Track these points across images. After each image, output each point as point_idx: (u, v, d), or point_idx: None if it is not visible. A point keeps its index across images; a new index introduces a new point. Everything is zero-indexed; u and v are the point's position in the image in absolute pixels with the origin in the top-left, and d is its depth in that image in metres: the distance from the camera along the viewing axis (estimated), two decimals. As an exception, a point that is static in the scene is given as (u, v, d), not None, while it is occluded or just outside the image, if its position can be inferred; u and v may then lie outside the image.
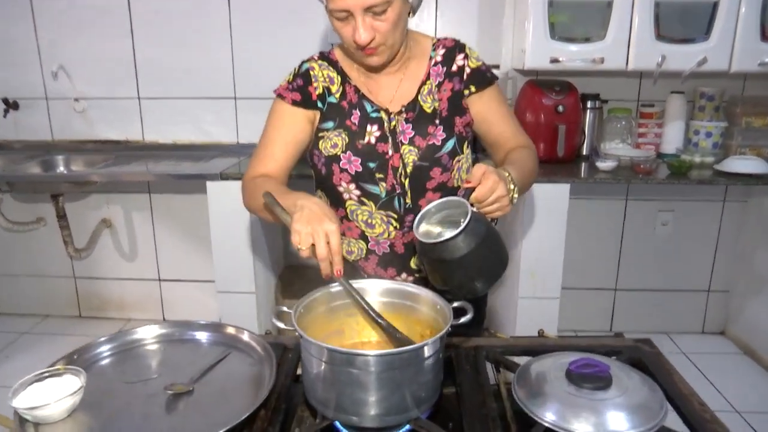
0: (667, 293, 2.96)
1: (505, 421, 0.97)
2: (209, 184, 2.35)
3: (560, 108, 2.46)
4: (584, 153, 2.64)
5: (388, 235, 1.28)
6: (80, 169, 2.78)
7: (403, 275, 1.32)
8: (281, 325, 0.96)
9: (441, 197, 1.25)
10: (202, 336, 1.18)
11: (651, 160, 2.40)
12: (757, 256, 2.76)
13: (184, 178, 2.49)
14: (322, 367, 0.90)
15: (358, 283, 1.08)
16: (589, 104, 2.61)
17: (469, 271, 1.04)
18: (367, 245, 1.31)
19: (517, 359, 1.14)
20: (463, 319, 0.96)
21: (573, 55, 2.35)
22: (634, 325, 2.99)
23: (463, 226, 1.00)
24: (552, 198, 2.28)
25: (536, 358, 1.06)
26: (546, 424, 0.90)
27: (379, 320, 1.02)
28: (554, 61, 2.35)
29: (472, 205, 1.05)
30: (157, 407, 0.96)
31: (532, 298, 2.37)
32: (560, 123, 2.45)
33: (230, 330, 1.16)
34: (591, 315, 3.00)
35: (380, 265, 1.32)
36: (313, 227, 0.98)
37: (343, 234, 1.32)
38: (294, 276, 2.82)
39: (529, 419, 0.93)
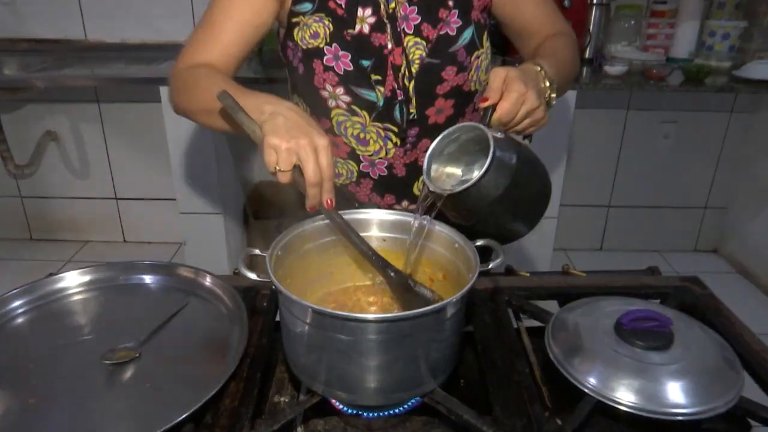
0: (661, 210, 2.82)
1: (537, 387, 0.78)
2: (163, 90, 2.03)
3: (565, 2, 2.16)
4: (587, 56, 2.37)
5: (386, 154, 1.02)
6: (13, 74, 2.40)
7: (404, 203, 1.08)
8: (252, 276, 0.73)
9: (454, 105, 0.99)
10: (150, 282, 0.93)
11: (664, 65, 2.15)
12: (760, 170, 2.60)
13: (134, 83, 2.18)
14: (307, 331, 0.68)
15: (349, 215, 0.85)
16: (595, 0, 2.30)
17: (504, 217, 0.81)
18: (358, 167, 1.05)
19: (541, 303, 0.94)
20: (492, 265, 0.74)
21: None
22: (625, 243, 2.87)
23: (484, 168, 0.75)
24: (554, 109, 2.02)
25: (573, 306, 0.86)
26: (591, 394, 0.72)
27: (383, 266, 0.80)
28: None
29: (491, 127, 0.80)
30: (91, 382, 0.73)
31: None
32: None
33: (186, 272, 0.92)
34: (582, 233, 2.86)
35: (375, 190, 1.07)
36: (296, 142, 0.73)
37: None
38: (267, 193, 2.56)
39: (568, 384, 0.74)
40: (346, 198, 1.09)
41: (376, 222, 0.87)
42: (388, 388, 0.69)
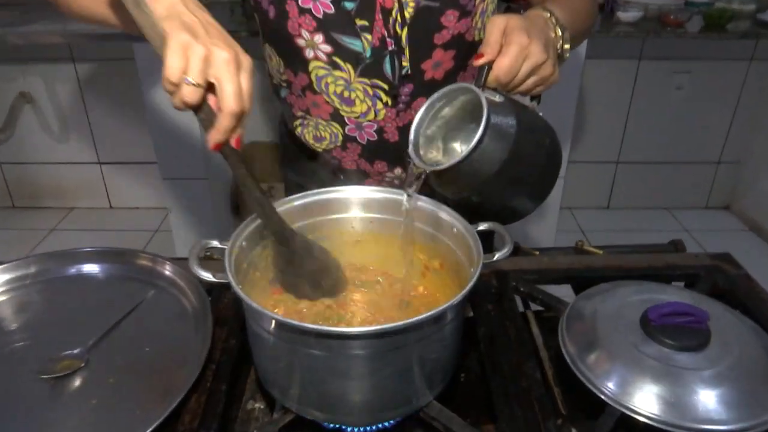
0: (672, 166, 2.68)
1: (548, 390, 0.67)
2: (137, 47, 1.87)
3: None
4: (599, 1, 2.18)
5: (375, 116, 0.88)
6: (-22, 30, 2.23)
7: (397, 171, 0.95)
8: (206, 275, 0.60)
9: (455, 58, 0.85)
10: (98, 273, 0.81)
11: (682, 10, 1.98)
12: (780, 122, 2.45)
13: (108, 39, 2.00)
14: (274, 343, 0.56)
15: (326, 194, 0.72)
16: (607, -64, 2.11)
17: (505, 194, 0.69)
18: (343, 130, 0.91)
19: (553, 288, 0.83)
20: (498, 256, 0.62)
21: None
22: (633, 201, 2.74)
23: (474, 140, 0.62)
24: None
25: (590, 293, 0.74)
26: (609, 402, 0.61)
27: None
28: None
29: (487, 89, 0.67)
30: (27, 400, 0.63)
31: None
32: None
33: (142, 260, 0.80)
34: (588, 189, 2.73)
35: (364, 156, 0.93)
36: (216, 48, 0.56)
37: (306, 113, 0.92)
38: (258, 154, 2.42)
39: (583, 389, 0.63)
40: (330, 167, 0.96)
41: (359, 201, 0.75)
42: (375, 406, 0.58)
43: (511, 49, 0.67)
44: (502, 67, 0.68)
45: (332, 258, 0.73)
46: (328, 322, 0.68)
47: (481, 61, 0.68)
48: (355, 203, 0.74)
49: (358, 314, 0.70)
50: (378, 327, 0.50)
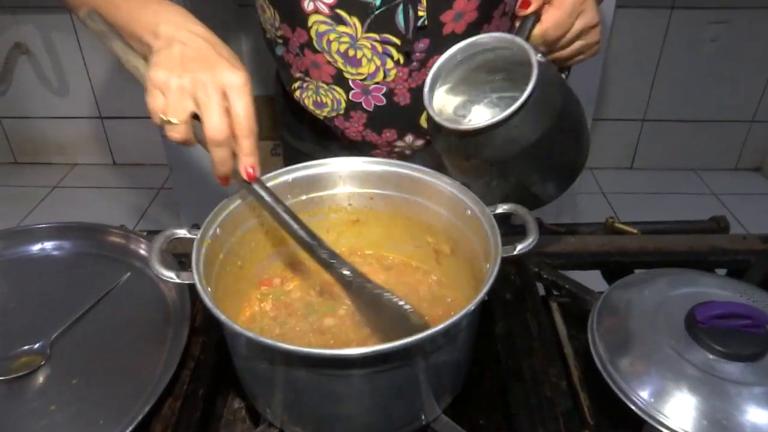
0: (700, 125, 2.52)
1: (574, 394, 0.58)
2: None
3: None
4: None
5: (384, 77, 0.76)
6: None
7: (409, 138, 0.84)
8: (169, 275, 0.51)
9: (479, 8, 0.73)
10: (64, 252, 0.72)
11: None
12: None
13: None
14: (258, 366, 0.48)
15: (312, 169, 0.62)
16: None
17: (533, 174, 0.58)
18: (347, 95, 0.80)
19: (579, 274, 0.73)
20: (520, 248, 0.52)
21: None
22: (658, 161, 2.60)
23: (526, 93, 0.52)
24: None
25: (626, 283, 0.65)
26: (642, 415, 0.52)
27: (334, 265, 0.57)
28: None
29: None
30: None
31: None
32: None
33: (114, 237, 0.71)
34: (611, 149, 2.58)
35: (370, 126, 0.82)
36: (192, 77, 0.51)
37: (305, 74, 0.81)
38: (263, 109, 2.30)
39: (613, 396, 0.54)
40: (334, 132, 0.85)
41: (357, 175, 0.64)
42: (374, 428, 0.49)
43: (566, 4, 0.58)
44: (553, 20, 0.59)
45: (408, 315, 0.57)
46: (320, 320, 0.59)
47: (529, 10, 0.59)
48: (352, 177, 0.64)
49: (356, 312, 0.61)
50: (376, 348, 0.41)
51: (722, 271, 0.75)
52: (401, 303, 0.54)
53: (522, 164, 0.56)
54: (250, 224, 0.60)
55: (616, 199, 2.41)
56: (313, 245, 0.56)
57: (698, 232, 0.78)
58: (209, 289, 0.49)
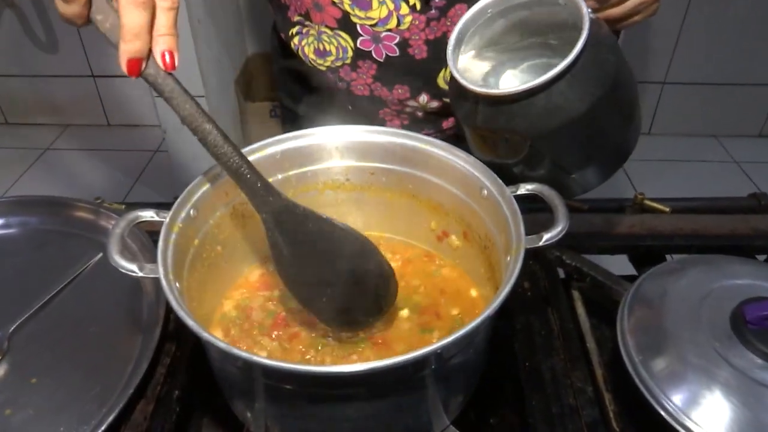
0: (724, 88, 2.39)
1: (598, 397, 0.51)
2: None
3: None
4: None
5: (397, 24, 0.66)
6: None
7: (423, 98, 0.74)
8: (133, 270, 0.43)
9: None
10: (29, 229, 0.64)
11: None
12: None
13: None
14: (240, 379, 0.41)
15: (312, 137, 0.54)
16: None
17: (577, 154, 0.50)
18: (354, 42, 0.70)
19: (605, 259, 0.65)
20: (547, 237, 0.44)
21: None
22: (678, 126, 2.47)
23: (575, 51, 0.43)
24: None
25: (660, 272, 0.57)
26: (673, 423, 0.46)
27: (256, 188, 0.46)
28: None
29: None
30: None
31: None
32: None
33: (82, 212, 0.63)
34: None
35: (380, 79, 0.73)
36: None
37: (305, 17, 0.71)
38: (262, 67, 2.20)
39: (644, 401, 0.47)
40: (338, 88, 0.76)
41: (352, 146, 0.55)
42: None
43: None
44: None
45: (369, 246, 0.49)
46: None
47: None
48: (350, 149, 0.55)
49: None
50: (377, 364, 0.34)
51: (761, 257, 0.68)
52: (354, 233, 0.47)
53: (562, 141, 0.47)
54: (233, 202, 0.52)
55: (632, 166, 2.29)
56: (241, 169, 0.44)
57: (737, 212, 0.70)
58: (177, 284, 0.41)
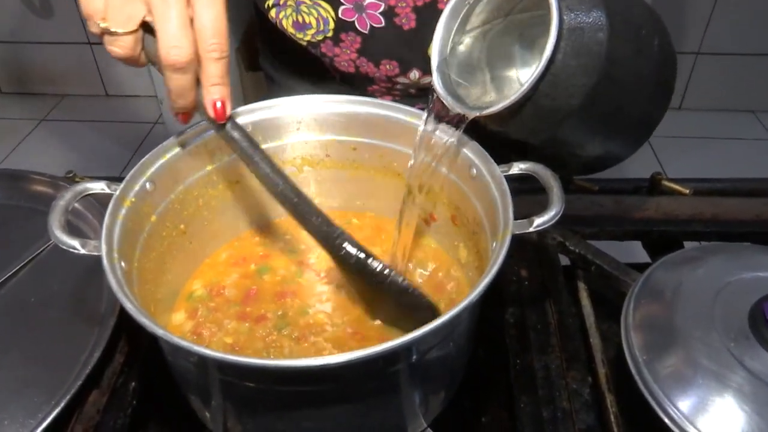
0: (762, 59, 2.23)
1: (600, 399, 0.47)
2: None
3: None
4: None
5: None
6: None
7: (414, 74, 0.68)
8: (75, 247, 0.39)
9: None
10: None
11: None
12: None
13: None
14: (198, 376, 0.36)
15: (286, 108, 0.48)
16: None
17: (592, 137, 0.45)
18: (336, 12, 0.64)
19: (614, 246, 0.60)
20: (538, 222, 0.39)
21: None
22: (711, 101, 2.32)
23: (546, 55, 0.38)
24: None
25: (672, 261, 0.52)
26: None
27: (325, 234, 0.44)
28: None
29: None
30: None
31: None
32: None
33: (38, 185, 0.60)
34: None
35: (365, 54, 0.66)
36: None
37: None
38: (267, 38, 2.12)
39: (647, 406, 0.43)
40: (321, 62, 0.70)
41: (331, 119, 0.50)
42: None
43: None
44: None
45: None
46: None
47: None
48: (329, 122, 0.50)
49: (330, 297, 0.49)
50: (341, 358, 0.30)
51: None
52: (417, 292, 0.43)
53: (567, 135, 0.43)
54: (198, 176, 0.48)
55: (661, 143, 2.18)
56: (302, 208, 0.43)
57: (766, 195, 0.64)
58: (122, 264, 0.37)
